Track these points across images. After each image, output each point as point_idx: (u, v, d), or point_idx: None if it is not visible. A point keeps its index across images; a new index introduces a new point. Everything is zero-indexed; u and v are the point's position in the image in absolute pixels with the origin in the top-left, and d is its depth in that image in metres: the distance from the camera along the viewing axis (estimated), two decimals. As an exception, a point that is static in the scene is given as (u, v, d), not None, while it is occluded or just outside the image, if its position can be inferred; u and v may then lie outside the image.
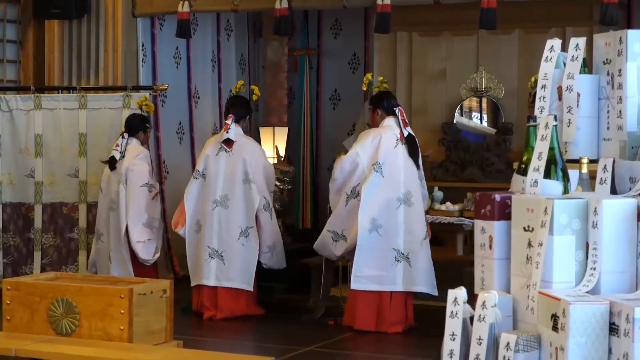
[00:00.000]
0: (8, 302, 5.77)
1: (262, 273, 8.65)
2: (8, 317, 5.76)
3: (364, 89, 8.64)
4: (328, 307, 8.49)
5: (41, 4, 10.08)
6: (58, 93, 9.62)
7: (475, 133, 10.03)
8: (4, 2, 10.25)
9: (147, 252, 8.49)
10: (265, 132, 10.87)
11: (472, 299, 3.11)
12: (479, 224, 3.25)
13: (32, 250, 9.37)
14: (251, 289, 8.34)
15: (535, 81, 3.55)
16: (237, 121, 8.50)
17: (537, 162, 3.16)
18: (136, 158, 8.56)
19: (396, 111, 7.97)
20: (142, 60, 10.13)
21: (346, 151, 8.44)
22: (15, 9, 10.39)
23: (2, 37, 10.26)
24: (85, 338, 5.54)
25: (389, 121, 7.94)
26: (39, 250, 9.30)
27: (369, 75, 8.48)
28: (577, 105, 3.35)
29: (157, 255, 8.60)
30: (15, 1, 10.35)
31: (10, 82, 10.33)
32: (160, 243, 8.66)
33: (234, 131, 8.43)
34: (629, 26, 9.20)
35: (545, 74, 3.45)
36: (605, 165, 3.22)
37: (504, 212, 3.18)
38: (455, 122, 9.95)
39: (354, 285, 7.78)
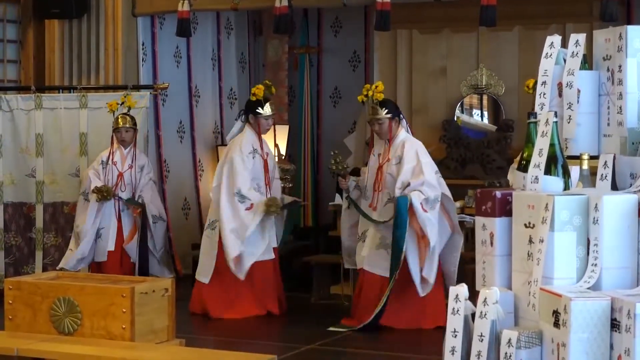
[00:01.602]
0: (10, 301, 5.78)
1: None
2: (10, 317, 5.77)
3: (362, 100, 8.20)
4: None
5: (41, 3, 10.08)
6: (58, 92, 9.63)
7: (476, 130, 10.03)
8: (4, 2, 10.26)
9: (65, 260, 8.63)
10: (266, 131, 10.87)
11: (473, 296, 3.11)
12: (479, 220, 3.26)
13: (34, 249, 9.38)
14: (206, 281, 8.40)
15: (535, 83, 3.55)
16: (244, 120, 8.62)
17: (538, 159, 3.16)
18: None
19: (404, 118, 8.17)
20: (143, 59, 10.13)
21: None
22: (15, 9, 10.39)
23: (2, 37, 10.27)
24: (87, 337, 5.55)
25: (404, 129, 8.05)
26: (40, 250, 9.31)
27: (367, 86, 8.33)
28: (578, 101, 3.36)
29: (81, 266, 8.62)
30: (15, 1, 10.35)
31: (11, 82, 10.33)
32: (88, 256, 8.64)
33: (232, 130, 8.75)
34: (629, 22, 9.20)
35: (546, 70, 3.45)
36: (605, 162, 3.22)
37: (504, 209, 3.19)
38: (456, 118, 9.94)
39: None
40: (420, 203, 7.60)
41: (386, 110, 7.96)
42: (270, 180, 8.56)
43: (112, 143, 8.86)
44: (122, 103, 8.92)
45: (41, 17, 10.24)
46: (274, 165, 8.73)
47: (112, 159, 8.80)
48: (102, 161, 8.81)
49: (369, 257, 7.90)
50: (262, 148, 8.59)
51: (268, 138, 10.76)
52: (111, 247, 8.74)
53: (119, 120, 8.83)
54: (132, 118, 8.90)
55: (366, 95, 8.06)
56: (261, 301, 8.45)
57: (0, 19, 10.25)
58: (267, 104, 8.58)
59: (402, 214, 7.57)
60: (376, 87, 8.01)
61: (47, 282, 5.86)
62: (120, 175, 8.78)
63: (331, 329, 7.74)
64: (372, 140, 8.19)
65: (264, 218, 8.29)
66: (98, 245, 8.71)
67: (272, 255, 8.49)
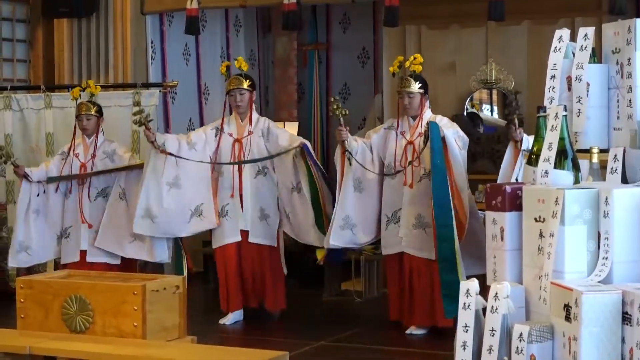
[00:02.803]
0: (22, 300, 5.79)
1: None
2: (22, 316, 5.78)
3: (393, 70, 7.65)
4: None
5: (50, 3, 10.11)
6: (68, 91, 9.63)
7: (486, 125, 10.02)
8: (13, 1, 10.29)
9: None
10: (275, 127, 10.87)
11: (484, 291, 3.12)
12: (490, 215, 3.26)
13: (45, 248, 9.38)
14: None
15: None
16: None
17: (548, 153, 3.16)
18: None
19: None
20: (152, 58, 10.15)
21: None
22: (24, 9, 10.42)
23: (11, 36, 10.29)
24: (99, 335, 5.56)
25: (429, 108, 7.67)
26: (52, 250, 9.30)
27: (400, 58, 7.75)
28: (587, 95, 3.36)
29: (31, 262, 8.37)
30: (24, 1, 10.38)
31: (21, 81, 10.36)
32: (34, 248, 8.28)
33: None
34: (638, 15, 9.17)
35: (555, 64, 3.45)
36: (615, 155, 3.22)
37: (515, 203, 3.19)
38: (465, 114, 9.93)
39: None
40: (455, 139, 7.27)
41: (420, 85, 7.55)
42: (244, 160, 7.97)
43: (74, 133, 8.42)
44: (85, 89, 8.53)
45: (50, 16, 10.27)
46: (259, 147, 7.94)
47: (74, 151, 8.34)
48: (63, 152, 8.42)
49: (407, 239, 7.43)
50: (238, 129, 8.04)
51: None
52: (84, 246, 8.25)
53: (81, 107, 8.35)
54: (96, 105, 8.42)
55: (399, 66, 7.59)
56: (228, 295, 8.06)
57: (9, 18, 10.28)
58: (229, 80, 8.08)
59: (435, 137, 7.10)
60: (414, 58, 7.60)
61: (59, 280, 5.87)
62: (83, 166, 8.28)
63: None
64: (399, 117, 7.61)
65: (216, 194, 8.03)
66: (65, 245, 8.31)
67: (237, 238, 8.00)
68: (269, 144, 8.00)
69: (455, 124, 7.57)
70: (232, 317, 8.02)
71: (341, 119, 7.57)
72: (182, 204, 8.04)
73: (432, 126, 7.16)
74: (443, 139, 7.14)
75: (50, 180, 8.26)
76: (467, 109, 9.99)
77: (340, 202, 7.55)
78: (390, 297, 7.73)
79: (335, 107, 7.62)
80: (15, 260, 8.28)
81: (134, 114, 8.03)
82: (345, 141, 7.55)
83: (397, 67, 7.59)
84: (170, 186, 8.00)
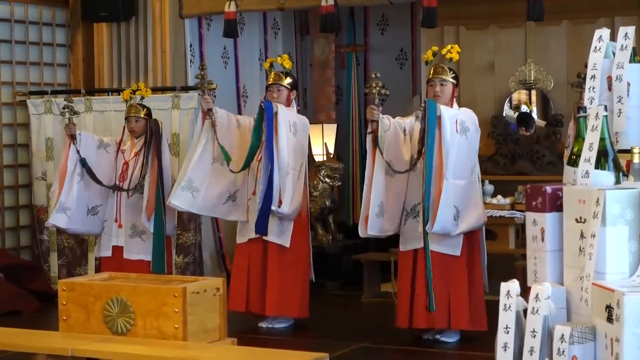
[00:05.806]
0: (64, 302, 5.84)
1: (315, 270, 8.52)
2: (64, 318, 5.83)
3: (427, 58, 7.43)
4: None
5: (89, 7, 10.18)
6: (108, 95, 9.70)
7: (524, 125, 9.98)
8: (53, 6, 10.37)
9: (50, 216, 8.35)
10: (314, 129, 10.86)
11: (525, 292, 3.11)
12: (530, 216, 3.25)
13: (86, 251, 9.45)
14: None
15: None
16: None
17: (588, 153, 3.15)
18: None
19: None
20: (191, 61, 10.19)
21: None
22: (63, 13, 10.50)
23: (51, 41, 10.38)
24: (140, 337, 5.59)
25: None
26: (92, 251, 9.37)
27: (434, 48, 7.49)
28: (628, 94, 3.34)
29: (70, 226, 8.25)
30: (64, 5, 10.46)
31: (61, 85, 10.44)
32: (75, 212, 8.18)
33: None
34: (679, 14, 9.11)
35: (595, 64, 3.43)
36: (657, 155, 3.20)
37: (555, 204, 3.17)
38: (504, 115, 9.89)
39: None
40: (454, 121, 6.94)
41: (453, 75, 7.34)
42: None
43: (123, 132, 8.45)
44: (135, 91, 8.55)
45: (90, 20, 10.34)
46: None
47: (121, 147, 8.37)
48: (116, 141, 8.42)
49: (430, 235, 6.97)
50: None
51: (316, 136, 10.77)
52: (117, 241, 8.27)
53: (131, 109, 8.38)
54: (146, 108, 8.43)
55: (434, 54, 7.34)
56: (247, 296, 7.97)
57: (49, 23, 10.36)
58: (271, 75, 8.02)
59: (430, 115, 6.84)
60: (452, 47, 7.39)
61: (100, 283, 5.91)
62: (126, 163, 8.28)
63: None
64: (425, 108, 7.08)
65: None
66: (102, 238, 8.34)
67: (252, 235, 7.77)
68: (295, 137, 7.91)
69: (470, 111, 7.30)
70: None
71: (376, 98, 7.31)
72: (223, 183, 7.90)
73: (429, 104, 6.92)
74: (439, 118, 6.89)
75: (82, 161, 8.21)
76: (519, 110, 9.94)
77: (374, 188, 7.18)
78: (399, 300, 7.37)
79: (373, 84, 7.33)
80: (54, 219, 8.18)
81: (196, 76, 8.19)
82: (377, 121, 7.27)
83: (431, 55, 7.37)
84: (214, 160, 7.88)
